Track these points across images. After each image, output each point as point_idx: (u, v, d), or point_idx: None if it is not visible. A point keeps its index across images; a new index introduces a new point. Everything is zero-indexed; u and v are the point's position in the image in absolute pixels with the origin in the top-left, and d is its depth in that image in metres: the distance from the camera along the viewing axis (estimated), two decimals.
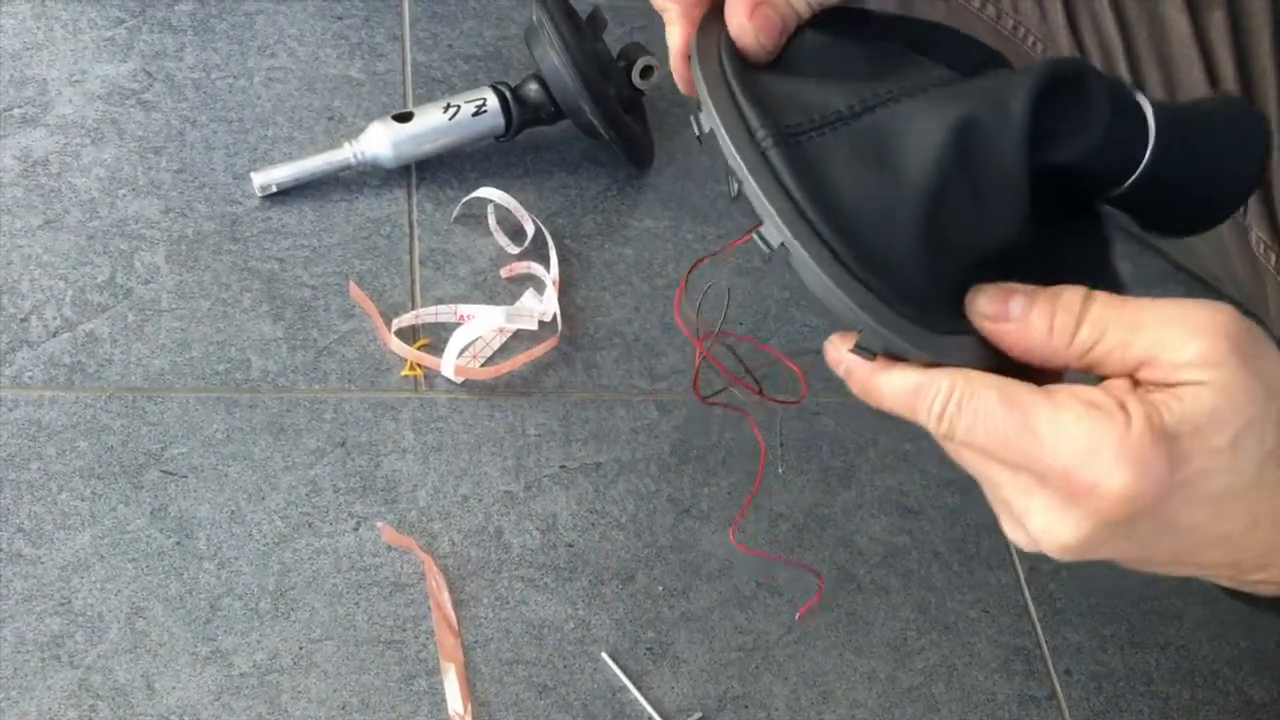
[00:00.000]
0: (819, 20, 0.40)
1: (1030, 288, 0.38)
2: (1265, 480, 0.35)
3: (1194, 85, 0.86)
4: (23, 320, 0.71)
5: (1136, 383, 0.36)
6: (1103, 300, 0.37)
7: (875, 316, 0.35)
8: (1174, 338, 0.35)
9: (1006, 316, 0.37)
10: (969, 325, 0.38)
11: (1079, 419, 0.34)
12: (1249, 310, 0.38)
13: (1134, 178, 0.39)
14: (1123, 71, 0.88)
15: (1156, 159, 0.39)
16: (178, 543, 0.66)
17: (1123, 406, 0.34)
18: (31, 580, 0.63)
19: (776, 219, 0.35)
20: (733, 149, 0.36)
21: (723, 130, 0.36)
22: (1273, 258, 0.87)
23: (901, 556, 0.76)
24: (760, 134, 0.36)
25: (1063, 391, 0.35)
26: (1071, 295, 0.37)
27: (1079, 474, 0.34)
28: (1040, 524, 0.37)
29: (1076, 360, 0.37)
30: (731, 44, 0.39)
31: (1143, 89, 0.93)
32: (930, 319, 0.37)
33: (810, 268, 0.35)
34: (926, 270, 0.36)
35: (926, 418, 0.37)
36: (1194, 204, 0.42)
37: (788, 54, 0.39)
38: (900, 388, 0.37)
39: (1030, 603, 0.77)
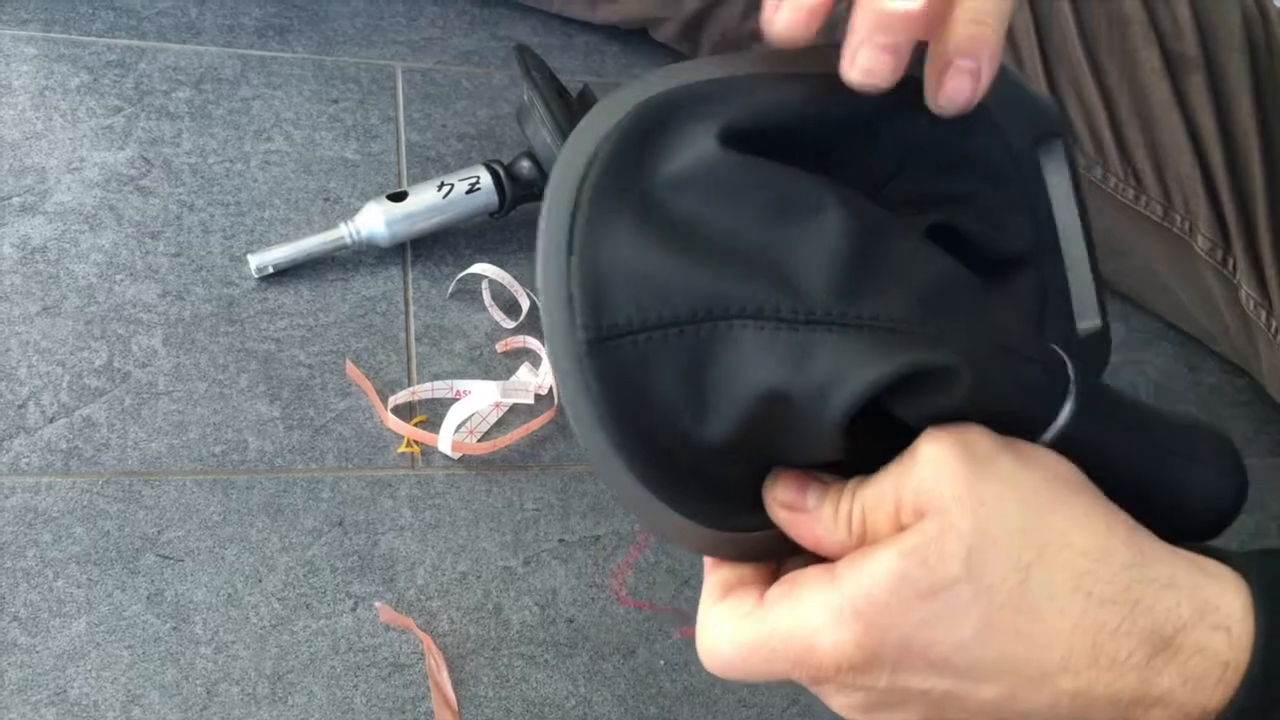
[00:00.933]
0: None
1: (828, 479, 0.35)
2: (1035, 601, 0.31)
3: (1177, 147, 0.87)
4: (20, 407, 0.71)
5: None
6: (872, 479, 0.34)
7: (659, 525, 0.35)
8: (900, 490, 0.33)
9: (803, 506, 0.35)
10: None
11: (792, 607, 0.33)
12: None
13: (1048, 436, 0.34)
14: (1105, 133, 0.90)
15: (1074, 432, 0.34)
16: (174, 628, 0.65)
17: (833, 575, 0.33)
18: (27, 670, 0.62)
19: (575, 425, 0.34)
20: (551, 340, 0.34)
21: (545, 315, 0.34)
22: (1262, 314, 0.88)
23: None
24: (579, 333, 0.34)
25: (776, 587, 0.35)
26: (854, 481, 0.35)
27: (795, 644, 0.33)
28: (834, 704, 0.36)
29: (859, 543, 0.34)
30: (614, 156, 0.34)
31: (1127, 151, 0.94)
32: (731, 517, 0.36)
33: (605, 474, 0.34)
34: (727, 475, 0.35)
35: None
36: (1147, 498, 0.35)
37: (688, 175, 0.34)
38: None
39: None
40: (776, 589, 0.35)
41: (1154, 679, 0.31)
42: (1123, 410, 0.35)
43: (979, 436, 0.33)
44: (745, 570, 0.37)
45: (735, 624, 0.34)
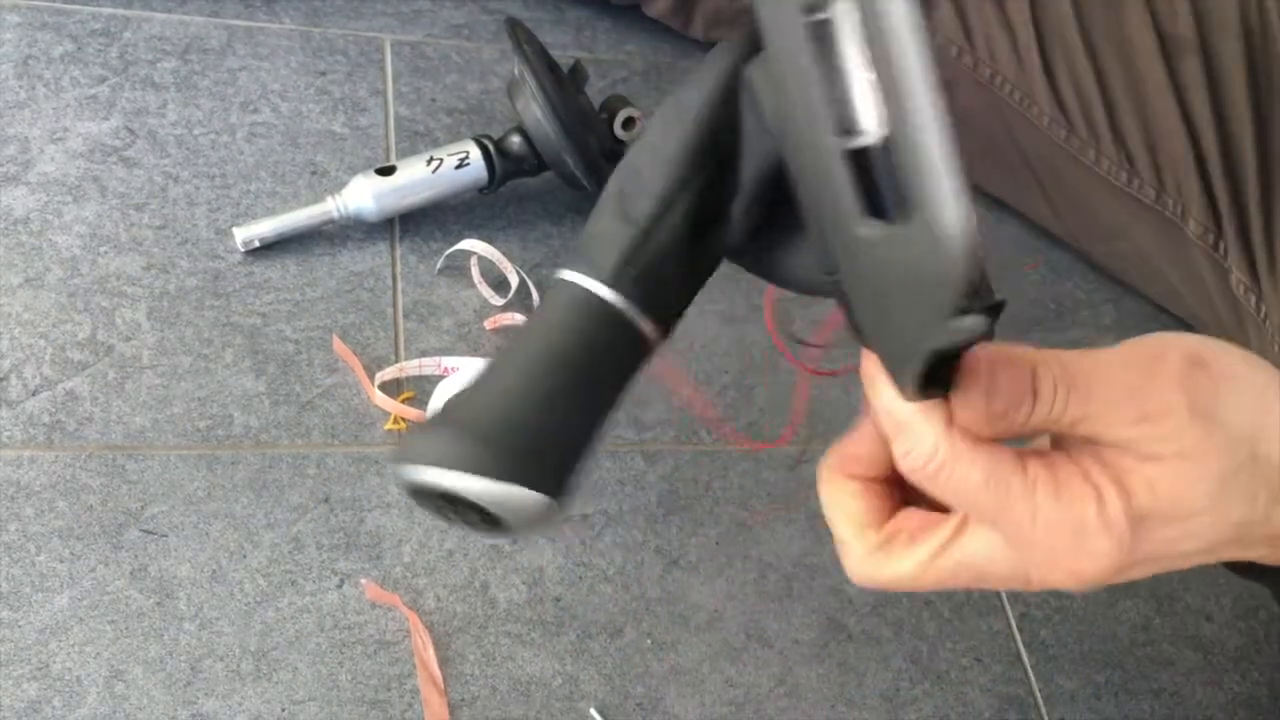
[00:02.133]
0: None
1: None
2: (1254, 516, 0.35)
3: (1170, 131, 0.87)
4: (2, 379, 0.70)
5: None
6: (1053, 368, 0.35)
7: None
8: (1119, 416, 0.34)
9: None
10: None
11: (1056, 503, 0.34)
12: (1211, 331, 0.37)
13: None
14: (1099, 116, 0.89)
15: None
16: (158, 603, 0.65)
17: (1095, 487, 0.34)
18: (8, 644, 0.61)
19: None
20: None
21: None
22: (1252, 299, 0.88)
23: (892, 605, 0.75)
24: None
25: (1036, 466, 0.35)
26: (1020, 368, 0.35)
27: (1060, 559, 0.35)
28: (1006, 574, 0.37)
29: (1029, 431, 0.36)
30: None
31: (1121, 134, 0.94)
32: None
33: None
34: None
35: (901, 460, 0.36)
36: None
37: None
38: (886, 417, 0.36)
39: (1022, 650, 0.76)
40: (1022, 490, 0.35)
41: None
42: None
43: (1177, 367, 0.35)
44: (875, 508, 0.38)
45: (943, 549, 0.36)
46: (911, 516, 0.38)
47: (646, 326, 0.34)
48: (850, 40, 0.27)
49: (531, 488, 0.31)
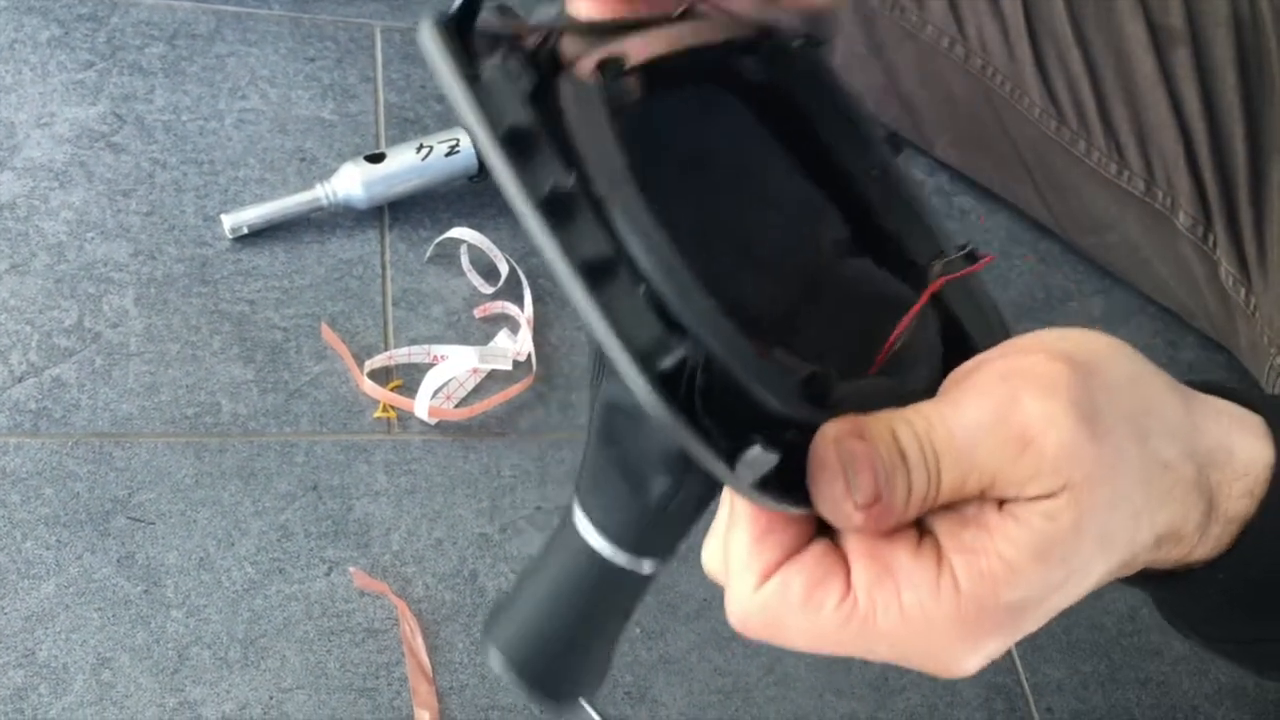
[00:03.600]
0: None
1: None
2: (1140, 531, 0.30)
3: (1161, 122, 0.87)
4: None
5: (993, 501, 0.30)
6: (913, 424, 0.29)
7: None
8: (1004, 457, 0.28)
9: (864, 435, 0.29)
10: None
11: (905, 605, 0.29)
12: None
13: None
14: (1089, 107, 0.89)
15: None
16: (145, 591, 0.64)
17: (949, 572, 0.29)
18: None
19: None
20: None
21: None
22: (1242, 291, 0.88)
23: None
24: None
25: (865, 571, 0.30)
26: (874, 437, 0.29)
27: (929, 661, 0.30)
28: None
29: (922, 512, 0.29)
30: None
31: (1111, 125, 0.94)
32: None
33: None
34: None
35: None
36: None
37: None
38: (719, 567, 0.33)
39: None
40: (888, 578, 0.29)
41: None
42: None
43: (1064, 380, 0.28)
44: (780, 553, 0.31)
45: (833, 623, 0.30)
46: (805, 564, 0.30)
47: (659, 567, 0.37)
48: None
49: (554, 698, 0.39)
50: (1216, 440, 0.31)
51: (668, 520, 0.35)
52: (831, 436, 0.28)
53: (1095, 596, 0.84)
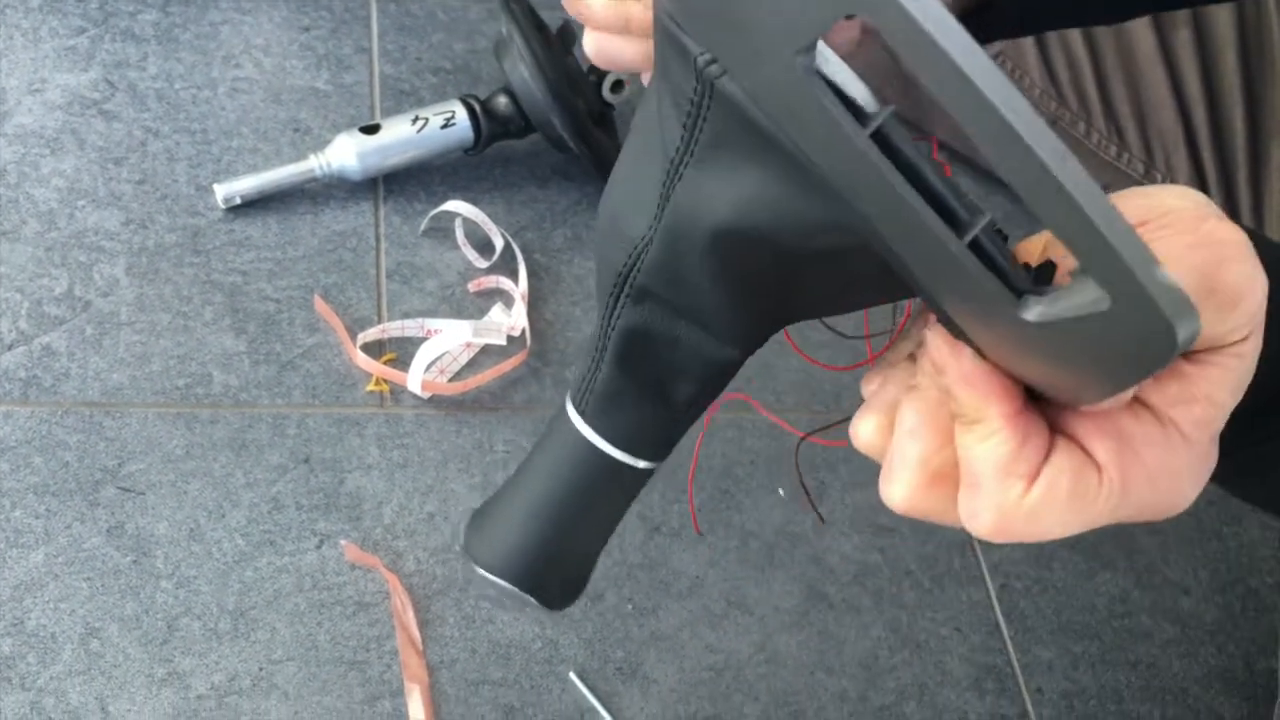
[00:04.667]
0: None
1: None
2: None
3: (1160, 102, 0.87)
4: None
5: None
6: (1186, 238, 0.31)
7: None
8: (1216, 319, 0.30)
9: None
10: None
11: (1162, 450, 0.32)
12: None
13: None
14: (1089, 87, 0.89)
15: None
16: (134, 561, 0.64)
17: (1173, 426, 0.31)
18: None
19: None
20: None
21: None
22: None
23: (873, 574, 0.75)
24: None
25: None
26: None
27: (1158, 509, 0.33)
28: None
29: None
30: None
31: (1111, 106, 0.93)
32: None
33: None
34: None
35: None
36: None
37: None
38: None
39: (1001, 620, 0.76)
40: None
41: None
42: None
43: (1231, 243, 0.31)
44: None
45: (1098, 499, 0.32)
46: (1063, 462, 0.32)
47: (657, 465, 0.38)
48: (906, 142, 0.26)
49: (546, 602, 0.39)
50: None
51: (678, 424, 0.37)
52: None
53: (1087, 578, 0.84)
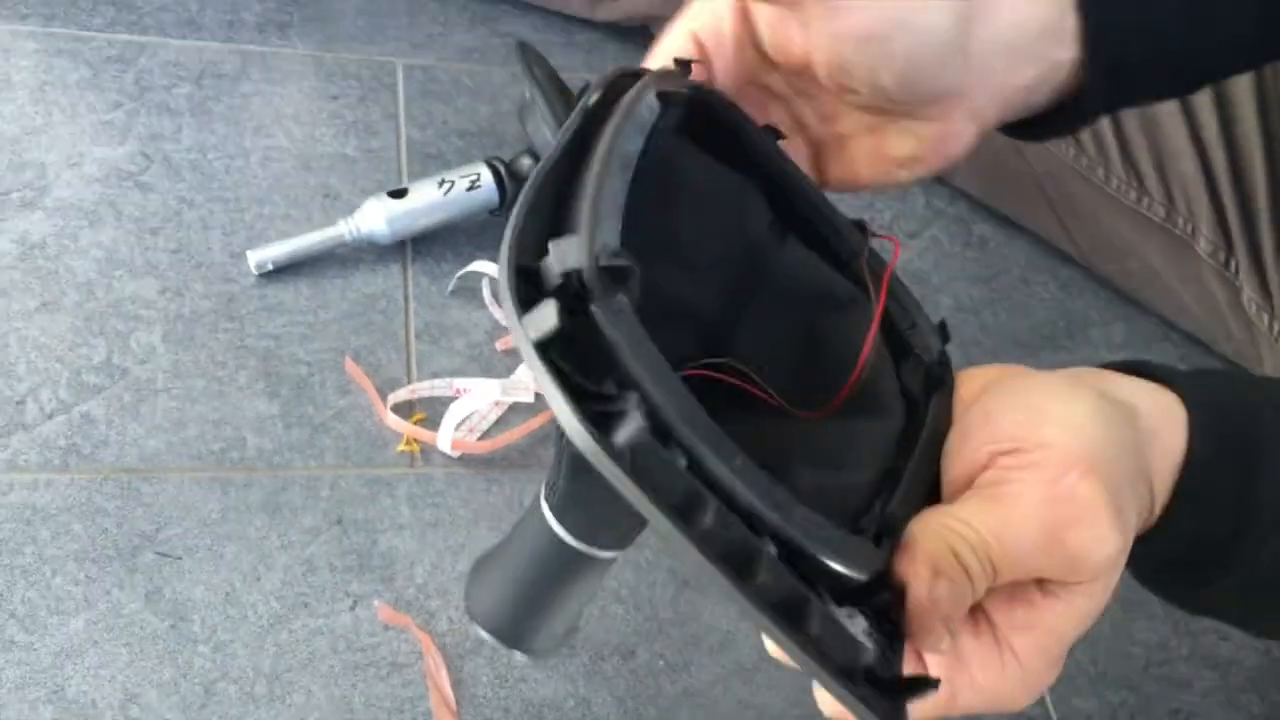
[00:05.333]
0: None
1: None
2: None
3: (1180, 149, 0.87)
4: (18, 403, 0.70)
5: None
6: (976, 548, 0.33)
7: None
8: (1058, 569, 0.34)
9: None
10: None
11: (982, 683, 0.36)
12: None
13: None
14: (1108, 134, 0.89)
15: None
16: (172, 626, 0.65)
17: (1009, 650, 0.35)
18: (24, 668, 0.62)
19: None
20: None
21: None
22: (1265, 317, 0.87)
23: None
24: None
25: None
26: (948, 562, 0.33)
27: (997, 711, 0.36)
28: None
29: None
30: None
31: (1130, 152, 0.93)
32: None
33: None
34: None
35: None
36: None
37: None
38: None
39: None
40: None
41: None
42: None
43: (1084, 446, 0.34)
44: None
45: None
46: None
47: (619, 553, 0.42)
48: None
49: (526, 652, 0.46)
50: (1150, 438, 0.37)
51: (634, 529, 0.41)
52: (927, 598, 0.32)
53: (1124, 626, 0.83)
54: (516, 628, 0.45)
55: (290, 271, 0.80)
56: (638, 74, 0.41)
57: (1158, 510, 0.37)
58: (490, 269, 0.82)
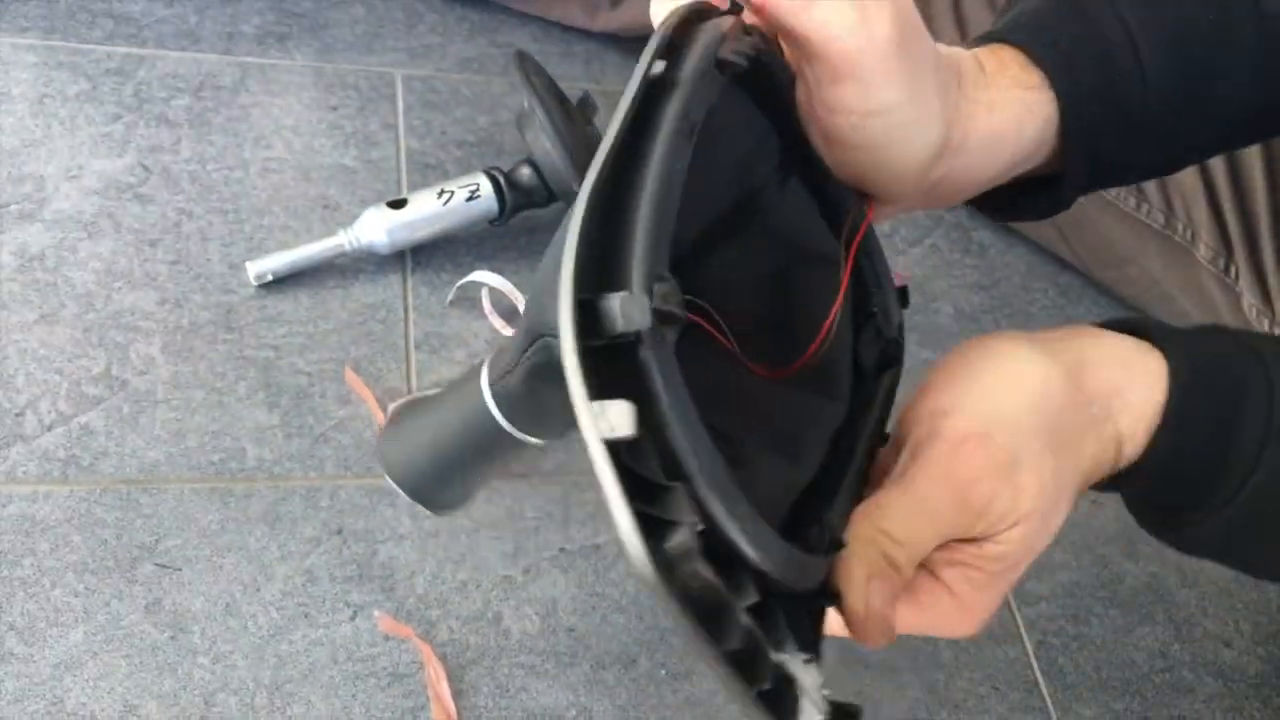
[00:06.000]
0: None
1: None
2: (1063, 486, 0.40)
3: (1192, 191, 0.87)
4: (18, 415, 0.70)
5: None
6: (901, 541, 0.38)
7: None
8: (972, 529, 0.38)
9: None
10: None
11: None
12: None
13: None
14: None
15: None
16: (171, 637, 0.65)
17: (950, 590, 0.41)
18: (23, 679, 0.62)
19: None
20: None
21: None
22: (1265, 322, 0.87)
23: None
24: None
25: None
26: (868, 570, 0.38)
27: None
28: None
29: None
30: None
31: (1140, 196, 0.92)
32: None
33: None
34: None
35: None
36: None
37: None
38: None
39: (1040, 678, 0.76)
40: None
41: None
42: None
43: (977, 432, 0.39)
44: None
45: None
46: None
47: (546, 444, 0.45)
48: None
49: (431, 509, 0.52)
50: (1110, 393, 0.40)
51: (567, 430, 0.42)
52: (864, 611, 0.37)
53: (1125, 632, 0.83)
54: (430, 487, 0.49)
55: (290, 282, 0.80)
56: (696, 19, 0.39)
57: (1132, 450, 0.41)
58: (490, 279, 0.82)
